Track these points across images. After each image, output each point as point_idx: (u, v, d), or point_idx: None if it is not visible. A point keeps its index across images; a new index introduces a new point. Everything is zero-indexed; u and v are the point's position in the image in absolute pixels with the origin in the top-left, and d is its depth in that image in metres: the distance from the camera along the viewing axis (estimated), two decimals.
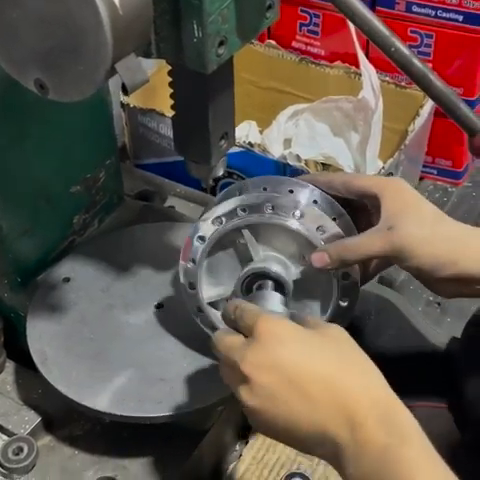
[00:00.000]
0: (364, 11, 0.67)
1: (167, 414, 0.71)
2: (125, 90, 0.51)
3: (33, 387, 0.81)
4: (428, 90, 0.78)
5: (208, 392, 0.73)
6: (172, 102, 0.65)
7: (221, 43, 0.56)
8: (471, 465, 0.76)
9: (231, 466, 0.86)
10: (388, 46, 0.75)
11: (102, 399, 0.72)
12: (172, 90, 0.64)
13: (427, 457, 0.53)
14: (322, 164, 1.04)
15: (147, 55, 0.57)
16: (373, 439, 0.51)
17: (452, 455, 0.78)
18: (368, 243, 0.65)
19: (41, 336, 0.78)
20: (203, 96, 0.62)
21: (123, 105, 1.12)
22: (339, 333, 0.58)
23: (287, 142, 1.20)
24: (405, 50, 0.76)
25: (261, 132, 1.24)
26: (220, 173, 0.69)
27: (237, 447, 0.88)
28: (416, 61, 0.77)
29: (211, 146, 0.65)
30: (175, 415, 0.71)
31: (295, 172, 1.00)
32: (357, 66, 1.13)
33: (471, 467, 0.75)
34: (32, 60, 0.52)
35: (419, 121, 1.08)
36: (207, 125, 0.63)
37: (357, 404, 0.52)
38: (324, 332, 0.57)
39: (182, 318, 0.76)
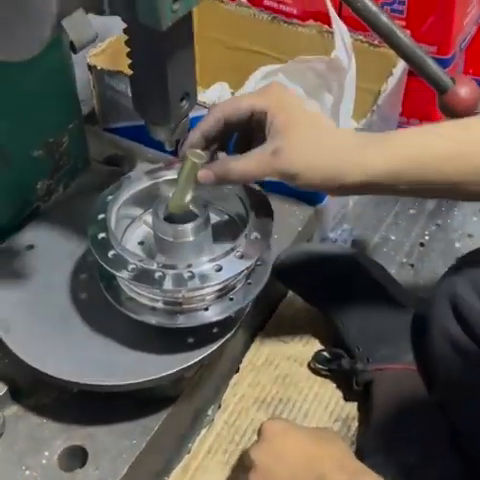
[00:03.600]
0: None
1: (134, 382, 0.70)
2: (73, 48, 0.49)
3: None
4: (396, 47, 0.76)
5: (177, 358, 0.72)
6: (130, 61, 0.63)
7: None
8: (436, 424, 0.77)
9: (203, 431, 0.86)
10: (354, 1, 0.73)
11: (67, 367, 0.71)
12: (129, 49, 0.62)
13: None
14: None
15: (100, 12, 0.55)
16: None
17: (421, 414, 0.79)
18: (251, 168, 0.64)
19: (4, 303, 0.76)
20: (160, 54, 0.59)
21: (90, 68, 1.09)
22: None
23: None
24: (372, 5, 0.74)
25: (233, 94, 1.21)
26: (181, 135, 0.67)
27: (209, 412, 0.88)
28: (383, 17, 0.75)
29: (170, 106, 0.63)
30: (142, 383, 0.70)
31: None
32: (330, 25, 1.10)
33: (436, 425, 0.76)
34: None
35: (392, 80, 1.06)
36: (165, 85, 0.61)
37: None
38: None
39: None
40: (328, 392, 0.89)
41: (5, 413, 0.76)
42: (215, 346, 0.72)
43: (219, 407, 0.88)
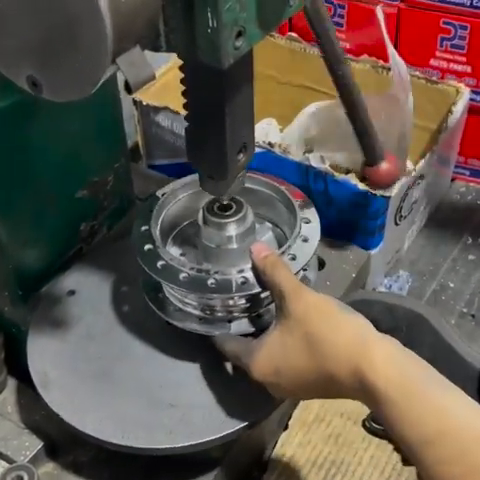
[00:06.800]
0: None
1: (178, 446, 0.65)
2: (128, 88, 0.45)
3: (35, 408, 0.75)
4: (350, 107, 0.80)
5: (225, 420, 0.66)
6: (184, 100, 0.59)
7: (239, 34, 0.49)
8: None
9: None
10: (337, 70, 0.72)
11: (107, 427, 0.66)
12: (184, 87, 0.58)
13: None
14: (347, 170, 0.97)
15: (155, 48, 0.51)
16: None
17: None
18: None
19: (43, 355, 0.72)
20: (218, 95, 0.55)
21: (135, 102, 1.06)
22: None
23: (308, 141, 1.13)
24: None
25: (282, 130, 1.17)
26: (237, 190, 0.63)
27: (255, 473, 0.82)
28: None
29: (227, 159, 0.58)
30: (187, 446, 0.65)
31: (318, 174, 0.93)
32: (385, 60, 1.06)
33: None
34: (23, 54, 0.46)
35: (452, 119, 1.01)
36: (224, 132, 0.56)
37: None
38: None
39: (197, 336, 0.70)
40: (385, 455, 0.82)
41: (40, 471, 0.71)
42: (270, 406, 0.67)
43: (265, 468, 0.82)
